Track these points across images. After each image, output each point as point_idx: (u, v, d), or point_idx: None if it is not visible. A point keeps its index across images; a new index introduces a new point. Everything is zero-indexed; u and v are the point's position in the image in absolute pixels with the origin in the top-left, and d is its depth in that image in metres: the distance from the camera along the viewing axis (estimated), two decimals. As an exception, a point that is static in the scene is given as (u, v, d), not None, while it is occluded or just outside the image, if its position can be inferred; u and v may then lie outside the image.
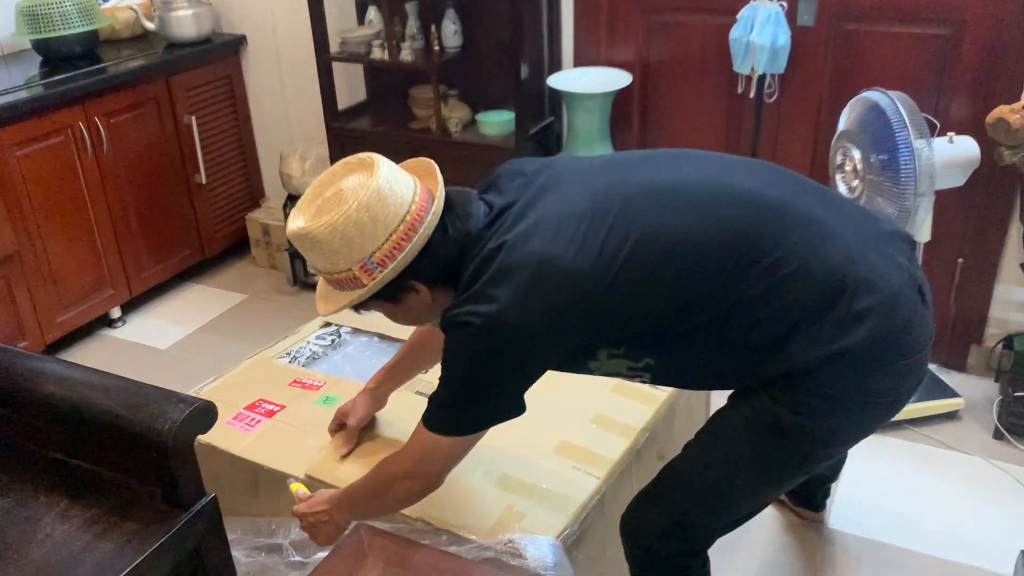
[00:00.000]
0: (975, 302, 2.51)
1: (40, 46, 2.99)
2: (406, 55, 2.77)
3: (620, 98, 2.72)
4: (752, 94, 2.52)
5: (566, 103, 2.77)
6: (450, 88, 2.92)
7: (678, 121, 2.76)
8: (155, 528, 1.12)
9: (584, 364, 1.36)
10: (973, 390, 2.47)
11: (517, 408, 1.30)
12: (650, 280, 1.24)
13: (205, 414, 1.14)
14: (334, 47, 2.90)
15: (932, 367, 2.50)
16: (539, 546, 1.29)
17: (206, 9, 3.19)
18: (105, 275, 2.96)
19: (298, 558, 1.52)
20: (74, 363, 1.27)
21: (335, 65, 2.92)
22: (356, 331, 2.12)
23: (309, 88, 3.16)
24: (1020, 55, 2.21)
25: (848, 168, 2.15)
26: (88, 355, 2.89)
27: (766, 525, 2.06)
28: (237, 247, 3.50)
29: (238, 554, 1.49)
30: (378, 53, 2.82)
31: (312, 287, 3.23)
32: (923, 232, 2.17)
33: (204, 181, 3.24)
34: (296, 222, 1.27)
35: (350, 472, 1.56)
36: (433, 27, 2.72)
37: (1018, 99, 2.05)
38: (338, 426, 1.68)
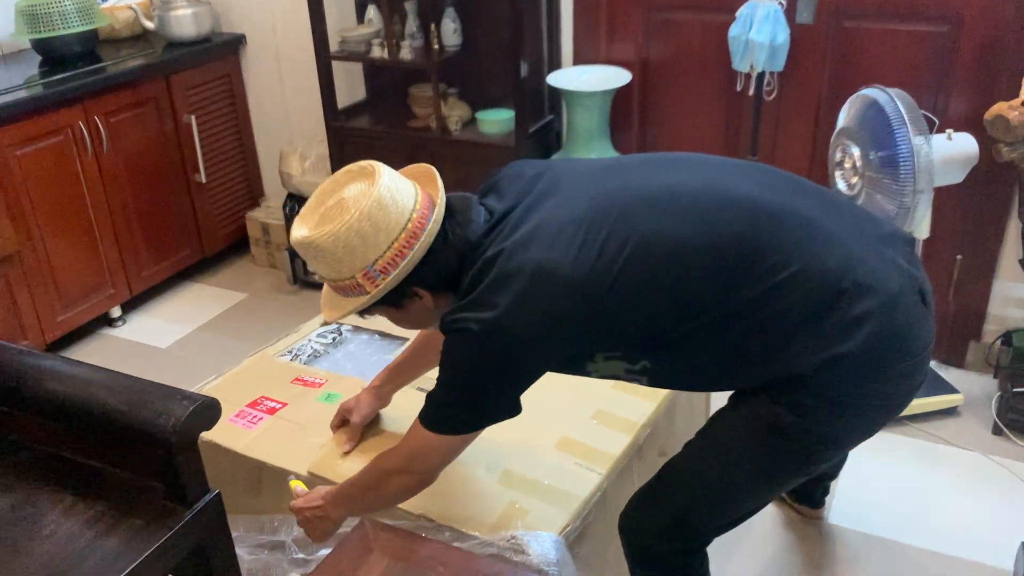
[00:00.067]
0: (974, 298, 2.51)
1: (39, 46, 2.99)
2: (406, 54, 2.77)
3: (620, 96, 2.72)
4: (751, 92, 2.52)
5: (566, 101, 2.77)
6: (450, 87, 2.92)
7: (677, 119, 2.76)
8: (159, 525, 1.13)
9: (582, 367, 1.37)
10: (972, 386, 2.48)
11: (513, 409, 1.32)
12: (648, 285, 1.25)
13: (209, 411, 1.15)
14: (334, 46, 2.90)
15: (931, 364, 2.51)
16: (542, 542, 1.30)
17: (205, 8, 3.19)
18: (105, 274, 2.96)
19: (301, 555, 1.53)
20: (77, 360, 1.27)
21: (335, 64, 2.93)
22: (357, 329, 2.13)
23: (309, 87, 3.16)
24: (1018, 52, 2.22)
25: (847, 165, 2.16)
26: (88, 354, 2.89)
27: (766, 522, 2.07)
28: (237, 246, 3.51)
29: (241, 552, 1.50)
30: (378, 52, 2.82)
31: (312, 286, 3.23)
32: (922, 229, 2.17)
33: (204, 180, 3.24)
34: (300, 231, 1.29)
35: (352, 469, 1.56)
36: (433, 26, 2.72)
37: (1016, 96, 2.05)
38: (340, 423, 1.69)
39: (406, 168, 1.39)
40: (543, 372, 1.30)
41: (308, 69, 3.08)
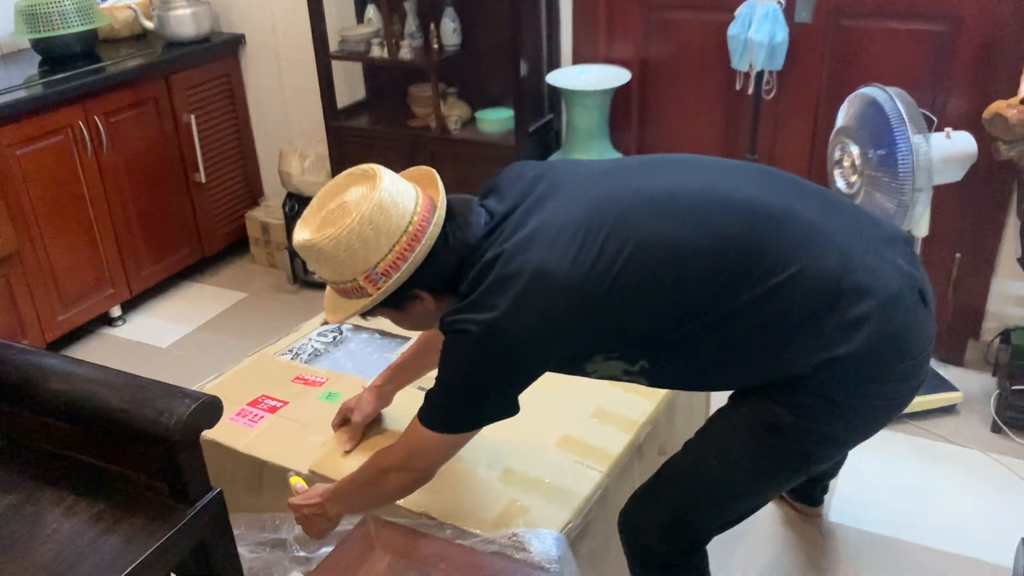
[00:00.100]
0: (972, 297, 2.52)
1: (39, 45, 2.99)
2: (405, 53, 2.78)
3: (619, 95, 2.73)
4: (750, 91, 2.53)
5: (565, 100, 2.78)
6: (449, 86, 2.92)
7: (677, 118, 2.77)
8: (161, 523, 1.13)
9: (581, 367, 1.38)
10: (971, 384, 2.48)
11: (511, 409, 1.33)
12: (647, 287, 1.25)
13: (211, 409, 1.15)
14: (333, 46, 2.90)
15: (931, 362, 2.51)
16: (543, 539, 1.30)
17: (205, 8, 3.19)
18: (105, 274, 2.96)
19: (303, 553, 1.53)
20: (79, 359, 1.28)
21: (334, 64, 2.93)
22: (357, 328, 2.13)
23: (308, 86, 3.17)
24: (1017, 51, 2.22)
25: (846, 164, 2.16)
26: (88, 354, 2.90)
27: (765, 520, 2.07)
28: (236, 246, 3.51)
29: (242, 550, 1.50)
30: (377, 51, 2.82)
31: (311, 285, 3.23)
32: (921, 227, 2.18)
33: (203, 180, 3.24)
34: (302, 234, 1.30)
35: (353, 468, 1.56)
36: (432, 25, 2.73)
37: (1015, 94, 2.06)
38: (342, 421, 1.70)
39: (407, 171, 1.40)
40: (541, 373, 1.31)
41: (308, 69, 3.09)
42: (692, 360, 1.34)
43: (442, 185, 1.35)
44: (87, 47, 3.03)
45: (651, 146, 2.85)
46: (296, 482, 1.54)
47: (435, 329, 1.54)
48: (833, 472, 2.02)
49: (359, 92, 3.19)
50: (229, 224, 3.45)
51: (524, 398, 1.33)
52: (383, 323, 1.98)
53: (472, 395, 1.31)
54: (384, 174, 1.30)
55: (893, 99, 2.01)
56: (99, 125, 2.82)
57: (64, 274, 2.81)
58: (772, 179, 1.39)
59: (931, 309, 1.35)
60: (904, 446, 2.29)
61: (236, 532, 1.26)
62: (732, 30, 2.44)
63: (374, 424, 1.70)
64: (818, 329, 1.26)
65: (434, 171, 1.37)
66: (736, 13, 2.43)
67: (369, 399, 1.67)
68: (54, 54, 2.98)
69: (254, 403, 1.82)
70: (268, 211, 3.41)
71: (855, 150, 2.11)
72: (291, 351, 2.04)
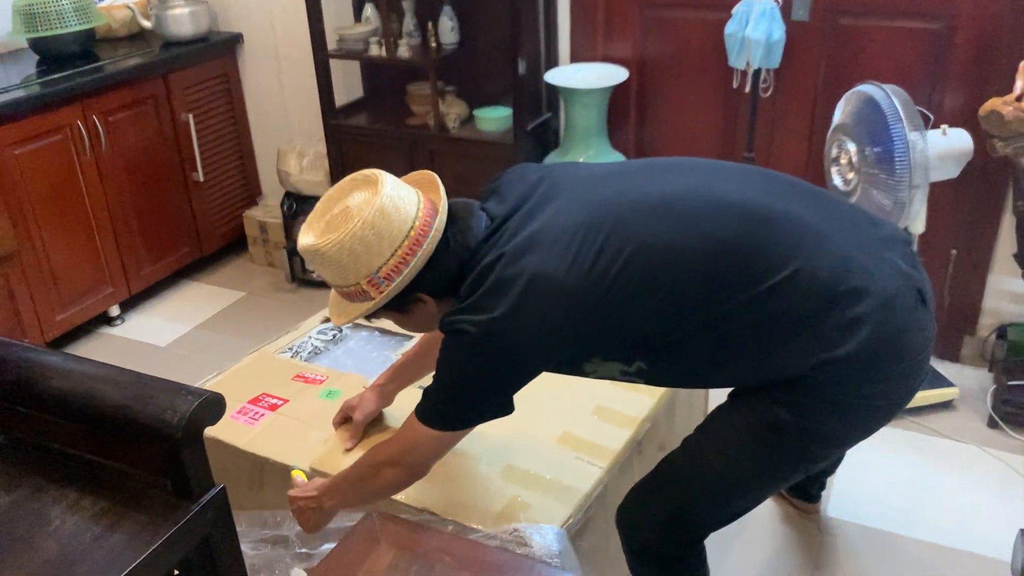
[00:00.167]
0: (969, 293, 2.53)
1: (37, 45, 2.99)
2: (403, 52, 2.78)
3: (617, 93, 2.73)
4: (747, 89, 2.53)
5: (563, 99, 2.78)
6: (447, 84, 2.93)
7: (674, 116, 2.78)
8: (165, 519, 1.13)
9: (579, 368, 1.39)
10: (967, 380, 2.50)
11: (505, 408, 1.34)
12: (644, 291, 1.27)
13: (214, 406, 1.15)
14: (331, 44, 2.91)
15: (927, 358, 2.53)
16: (544, 534, 1.31)
17: (203, 7, 3.19)
18: (104, 273, 2.96)
19: (304, 550, 1.53)
20: (80, 356, 1.28)
21: (332, 62, 2.93)
22: (357, 326, 2.14)
23: (306, 85, 3.17)
24: (1012, 48, 2.23)
25: (843, 161, 2.17)
26: (88, 353, 2.89)
27: (763, 515, 2.08)
28: (234, 245, 3.51)
29: (244, 547, 1.50)
30: (375, 50, 2.83)
31: (310, 284, 3.24)
32: (918, 224, 2.19)
33: (202, 179, 3.25)
34: (306, 239, 1.32)
35: (354, 465, 1.58)
36: (430, 24, 2.73)
37: (1010, 91, 2.07)
38: (343, 420, 1.70)
39: (409, 175, 1.42)
40: (538, 374, 1.33)
41: (306, 67, 3.09)
42: (689, 361, 1.35)
43: (444, 189, 1.37)
44: (85, 46, 3.03)
45: (649, 144, 2.86)
46: (298, 475, 1.55)
47: (437, 331, 1.56)
48: (831, 470, 2.03)
49: (357, 91, 3.20)
50: (227, 223, 3.45)
51: (525, 396, 1.35)
52: (383, 321, 1.99)
53: (468, 394, 1.33)
54: (386, 179, 1.32)
55: (890, 96, 2.02)
56: (97, 124, 2.82)
57: (63, 273, 2.82)
58: (770, 181, 1.40)
59: (930, 309, 1.36)
60: (901, 442, 2.30)
61: (238, 529, 1.26)
62: (729, 28, 2.45)
63: (375, 423, 1.71)
64: (816, 330, 1.27)
65: (436, 175, 1.39)
66: (733, 11, 2.43)
67: (371, 398, 1.67)
68: (52, 53, 2.98)
69: (255, 401, 1.82)
70: (266, 210, 3.41)
71: (852, 147, 2.12)
72: (291, 349, 2.04)
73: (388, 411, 1.73)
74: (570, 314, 1.26)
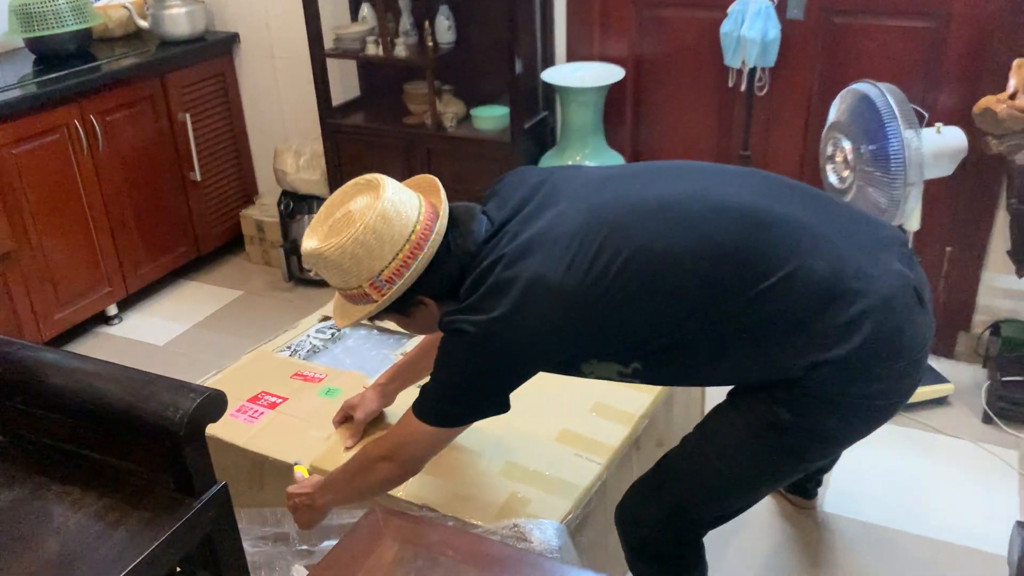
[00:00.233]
0: (963, 290, 2.55)
1: (33, 44, 2.99)
2: (400, 51, 2.78)
3: (613, 92, 2.74)
4: (743, 87, 2.55)
5: (560, 97, 2.79)
6: (444, 83, 2.93)
7: (670, 115, 2.79)
8: (167, 516, 1.14)
9: (577, 368, 1.41)
10: (962, 376, 2.51)
11: (501, 407, 1.36)
12: (641, 294, 1.28)
13: (216, 403, 1.16)
14: (328, 44, 2.91)
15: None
16: (544, 529, 1.32)
17: (199, 7, 3.19)
18: (102, 272, 2.96)
19: (305, 547, 1.54)
20: (83, 355, 1.29)
21: (328, 61, 2.93)
22: (356, 325, 2.14)
23: (303, 85, 3.17)
24: (1005, 46, 2.25)
25: (839, 159, 2.19)
26: (85, 353, 2.88)
27: (761, 511, 2.09)
28: (231, 244, 3.51)
29: (244, 545, 1.50)
30: (372, 49, 2.83)
31: (306, 283, 3.24)
32: (913, 221, 2.20)
33: (199, 178, 3.25)
34: (310, 243, 1.34)
35: (354, 463, 1.58)
36: (427, 23, 2.74)
37: (1004, 89, 2.08)
38: (343, 418, 1.71)
39: (411, 179, 1.44)
40: (534, 374, 1.35)
41: (302, 67, 3.09)
42: (685, 362, 1.37)
43: (444, 194, 1.38)
44: (81, 46, 3.03)
45: (645, 143, 2.87)
46: (299, 470, 1.56)
47: (439, 332, 1.57)
48: (828, 467, 2.04)
49: (354, 90, 3.20)
50: (224, 222, 3.45)
51: (525, 393, 1.36)
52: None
53: (465, 392, 1.35)
54: (388, 184, 1.34)
55: (885, 95, 2.03)
56: (95, 124, 2.82)
57: (60, 273, 2.81)
58: (769, 184, 1.41)
59: (928, 308, 1.37)
60: (897, 437, 2.32)
61: (238, 526, 1.27)
62: (725, 27, 2.46)
63: (376, 422, 1.71)
64: (813, 331, 1.28)
65: (437, 180, 1.41)
66: (729, 10, 2.45)
67: (372, 397, 1.69)
68: (48, 53, 2.98)
69: (254, 399, 1.83)
70: (263, 209, 3.41)
71: (847, 145, 2.13)
72: (289, 348, 2.05)
73: (389, 410, 1.73)
74: (568, 316, 1.27)
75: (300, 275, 3.23)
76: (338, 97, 3.07)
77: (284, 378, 1.89)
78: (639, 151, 2.89)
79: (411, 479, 1.47)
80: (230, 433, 1.72)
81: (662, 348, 1.34)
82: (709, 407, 1.50)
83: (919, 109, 2.11)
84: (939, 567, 1.93)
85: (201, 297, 3.25)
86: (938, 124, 2.12)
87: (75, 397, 1.20)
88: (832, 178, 2.22)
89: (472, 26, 2.84)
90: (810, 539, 2.03)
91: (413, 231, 1.31)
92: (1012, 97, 2.04)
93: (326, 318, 2.17)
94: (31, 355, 1.28)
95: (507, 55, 2.62)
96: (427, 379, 1.38)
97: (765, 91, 2.56)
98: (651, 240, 1.29)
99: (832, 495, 2.14)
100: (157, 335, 3.00)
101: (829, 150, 2.22)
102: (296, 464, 1.59)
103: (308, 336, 2.10)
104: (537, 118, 2.88)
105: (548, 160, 2.82)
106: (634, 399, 1.75)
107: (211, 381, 1.92)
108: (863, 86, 2.09)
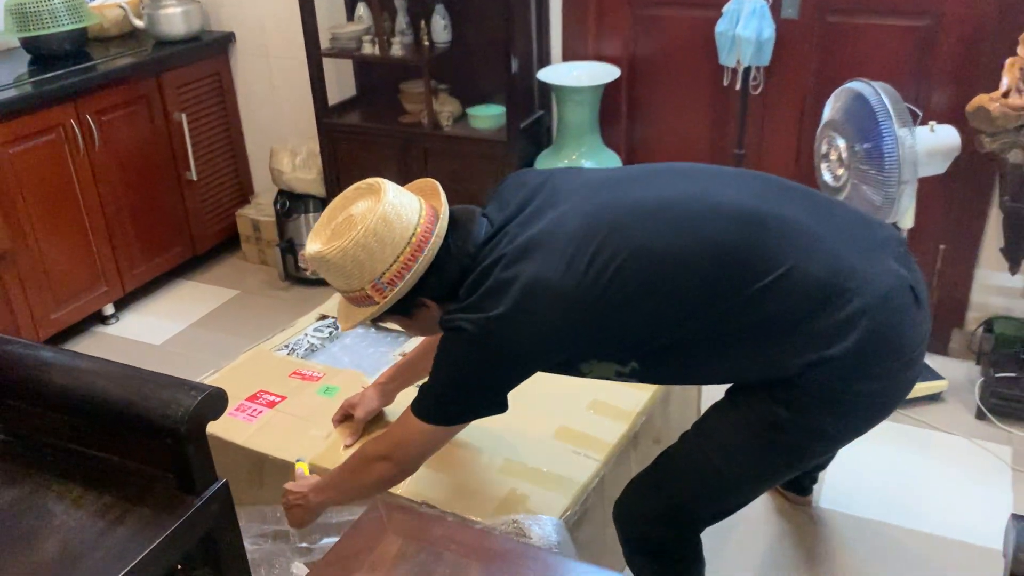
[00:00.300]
0: (956, 287, 2.57)
1: (29, 44, 2.98)
2: (396, 50, 2.79)
3: (609, 91, 2.75)
4: (738, 86, 2.56)
5: (556, 97, 2.80)
6: (440, 83, 2.94)
7: (666, 114, 2.80)
8: (169, 513, 1.14)
9: (576, 368, 1.42)
10: (956, 372, 2.53)
11: (499, 407, 1.37)
12: (639, 295, 1.29)
13: (217, 400, 1.17)
14: (324, 43, 2.91)
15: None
16: (543, 525, 1.33)
17: (195, 7, 3.19)
18: (98, 272, 2.96)
19: (305, 544, 1.55)
20: (83, 353, 1.29)
21: (324, 61, 2.94)
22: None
23: (298, 84, 3.17)
24: (998, 45, 2.26)
25: (833, 157, 2.20)
26: (83, 352, 2.89)
27: (758, 508, 2.10)
28: (227, 243, 3.51)
29: (244, 542, 1.51)
30: (368, 48, 2.83)
31: (303, 282, 3.25)
32: (907, 219, 2.22)
33: (195, 178, 3.25)
34: (313, 246, 1.36)
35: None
36: (422, 22, 2.74)
37: (997, 88, 2.10)
38: (343, 417, 1.72)
39: (412, 183, 1.46)
40: (532, 373, 1.36)
41: (298, 66, 3.09)
42: (684, 362, 1.38)
43: (444, 196, 1.40)
44: (77, 46, 3.03)
45: (641, 141, 2.88)
46: (300, 467, 1.56)
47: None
48: (823, 464, 2.05)
49: (350, 89, 3.20)
50: (220, 222, 3.45)
51: (523, 391, 1.37)
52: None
53: (463, 390, 1.36)
54: (389, 187, 1.35)
55: (879, 93, 2.04)
56: (91, 123, 2.82)
57: (57, 272, 2.81)
58: (767, 185, 1.42)
59: (924, 307, 1.38)
60: (891, 433, 2.33)
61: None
62: (720, 27, 2.47)
63: (375, 421, 1.72)
64: (810, 330, 1.29)
65: (437, 183, 1.43)
66: (724, 10, 2.46)
67: (372, 396, 1.69)
68: (44, 53, 2.97)
69: (252, 398, 1.83)
70: (259, 208, 3.41)
71: (842, 143, 2.15)
72: (287, 346, 2.05)
73: (388, 410, 1.74)
74: (567, 316, 1.28)
75: (296, 274, 3.24)
76: (334, 96, 3.08)
77: (282, 377, 1.90)
78: (635, 149, 2.90)
79: (410, 476, 1.47)
80: (229, 431, 1.72)
81: (660, 348, 1.35)
82: (706, 404, 1.51)
83: (913, 108, 2.12)
84: (934, 561, 1.95)
85: (197, 296, 3.25)
86: (932, 122, 2.13)
87: (75, 395, 1.20)
88: (826, 176, 2.23)
89: (468, 25, 2.85)
90: (806, 535, 2.04)
91: (414, 233, 1.32)
92: (1005, 96, 2.05)
93: (323, 317, 2.17)
94: (31, 354, 1.28)
95: (503, 54, 2.63)
96: (426, 379, 1.39)
97: (760, 90, 2.57)
98: (650, 240, 1.30)
99: (827, 491, 2.15)
100: (154, 334, 3.00)
101: (823, 148, 2.23)
102: (298, 461, 1.59)
103: (306, 335, 2.10)
104: (533, 117, 2.88)
105: (544, 159, 2.83)
106: (631, 396, 1.76)
107: (209, 380, 1.92)
108: (857, 85, 2.10)
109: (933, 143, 2.10)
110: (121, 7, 3.21)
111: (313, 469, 1.61)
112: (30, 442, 1.27)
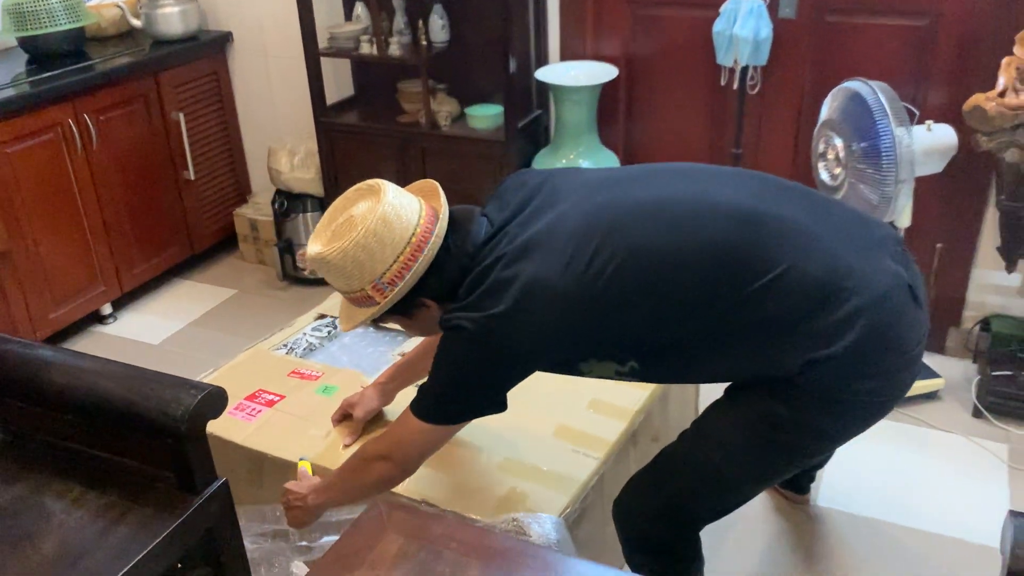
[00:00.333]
0: (953, 286, 2.57)
1: (26, 44, 2.98)
2: (394, 50, 2.79)
3: (607, 91, 2.76)
4: (735, 86, 2.56)
5: (554, 96, 2.80)
6: (438, 82, 2.94)
7: (663, 113, 2.80)
8: (169, 512, 1.14)
9: (575, 368, 1.42)
10: (952, 371, 2.54)
11: (498, 406, 1.37)
12: (637, 295, 1.30)
13: (217, 399, 1.17)
14: (322, 43, 2.91)
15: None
16: (543, 523, 1.33)
17: (192, 6, 3.19)
18: (96, 272, 2.96)
19: (304, 543, 1.55)
20: (83, 353, 1.29)
21: (322, 60, 2.94)
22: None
23: (296, 84, 3.17)
24: (994, 44, 2.27)
25: (830, 156, 2.20)
26: (81, 352, 2.89)
27: (756, 506, 2.11)
28: (225, 242, 3.51)
29: (244, 541, 1.52)
30: (366, 48, 2.84)
31: (301, 282, 3.25)
32: (904, 218, 2.22)
33: (192, 177, 3.25)
34: (314, 248, 1.37)
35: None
36: (420, 22, 2.74)
37: (993, 87, 2.10)
38: (342, 416, 1.72)
39: (413, 184, 1.47)
40: (531, 373, 1.36)
41: (296, 66, 3.09)
42: (682, 361, 1.38)
43: (444, 197, 1.40)
44: (75, 45, 3.02)
45: (638, 141, 2.89)
46: (303, 466, 1.56)
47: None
48: (821, 463, 2.06)
49: (348, 89, 3.20)
50: (218, 221, 3.45)
51: (522, 390, 1.37)
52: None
53: (463, 389, 1.36)
54: (389, 188, 1.36)
55: (876, 92, 2.05)
56: (88, 123, 2.82)
57: (55, 272, 2.81)
58: (765, 185, 1.42)
59: (923, 306, 1.38)
60: (889, 432, 2.34)
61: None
62: (717, 26, 2.47)
63: (375, 421, 1.72)
64: (808, 329, 1.30)
65: (437, 184, 1.43)
66: (721, 10, 2.46)
67: (372, 395, 1.70)
68: (42, 52, 2.97)
69: (251, 397, 1.83)
70: (257, 208, 3.41)
71: (839, 143, 2.15)
72: (285, 346, 2.06)
73: (388, 409, 1.74)
74: (566, 315, 1.29)
75: (294, 274, 3.24)
76: (332, 96, 3.08)
77: (281, 376, 1.90)
78: (632, 149, 2.90)
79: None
80: (228, 431, 1.72)
81: (659, 347, 1.36)
82: (704, 402, 1.52)
83: (910, 107, 2.13)
84: (931, 559, 1.95)
85: (195, 296, 3.25)
86: (928, 122, 2.14)
87: (75, 394, 1.20)
88: (824, 175, 2.24)
89: (466, 25, 2.85)
90: (804, 533, 2.05)
91: (413, 234, 1.33)
92: (1001, 95, 2.06)
93: (322, 316, 2.17)
94: (31, 353, 1.28)
95: (501, 54, 2.63)
96: (426, 379, 1.40)
97: (757, 89, 2.58)
98: (649, 240, 1.30)
99: (825, 489, 2.16)
100: (152, 334, 3.00)
101: (821, 148, 2.23)
102: (301, 460, 1.59)
103: (304, 334, 2.11)
104: (531, 117, 2.89)
105: (542, 158, 2.84)
106: (630, 395, 1.77)
107: (208, 379, 1.92)
108: (854, 84, 2.11)
109: (930, 142, 2.11)
110: (119, 6, 3.21)
111: (314, 469, 1.61)
112: (30, 442, 1.27)
